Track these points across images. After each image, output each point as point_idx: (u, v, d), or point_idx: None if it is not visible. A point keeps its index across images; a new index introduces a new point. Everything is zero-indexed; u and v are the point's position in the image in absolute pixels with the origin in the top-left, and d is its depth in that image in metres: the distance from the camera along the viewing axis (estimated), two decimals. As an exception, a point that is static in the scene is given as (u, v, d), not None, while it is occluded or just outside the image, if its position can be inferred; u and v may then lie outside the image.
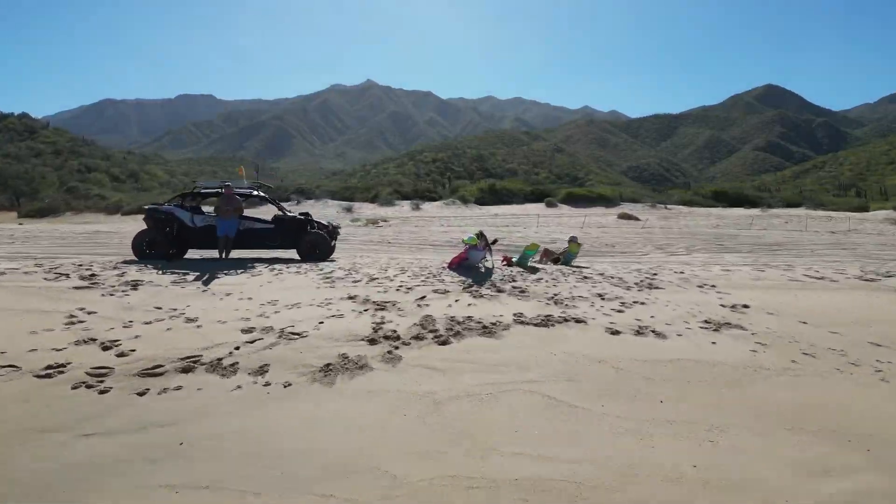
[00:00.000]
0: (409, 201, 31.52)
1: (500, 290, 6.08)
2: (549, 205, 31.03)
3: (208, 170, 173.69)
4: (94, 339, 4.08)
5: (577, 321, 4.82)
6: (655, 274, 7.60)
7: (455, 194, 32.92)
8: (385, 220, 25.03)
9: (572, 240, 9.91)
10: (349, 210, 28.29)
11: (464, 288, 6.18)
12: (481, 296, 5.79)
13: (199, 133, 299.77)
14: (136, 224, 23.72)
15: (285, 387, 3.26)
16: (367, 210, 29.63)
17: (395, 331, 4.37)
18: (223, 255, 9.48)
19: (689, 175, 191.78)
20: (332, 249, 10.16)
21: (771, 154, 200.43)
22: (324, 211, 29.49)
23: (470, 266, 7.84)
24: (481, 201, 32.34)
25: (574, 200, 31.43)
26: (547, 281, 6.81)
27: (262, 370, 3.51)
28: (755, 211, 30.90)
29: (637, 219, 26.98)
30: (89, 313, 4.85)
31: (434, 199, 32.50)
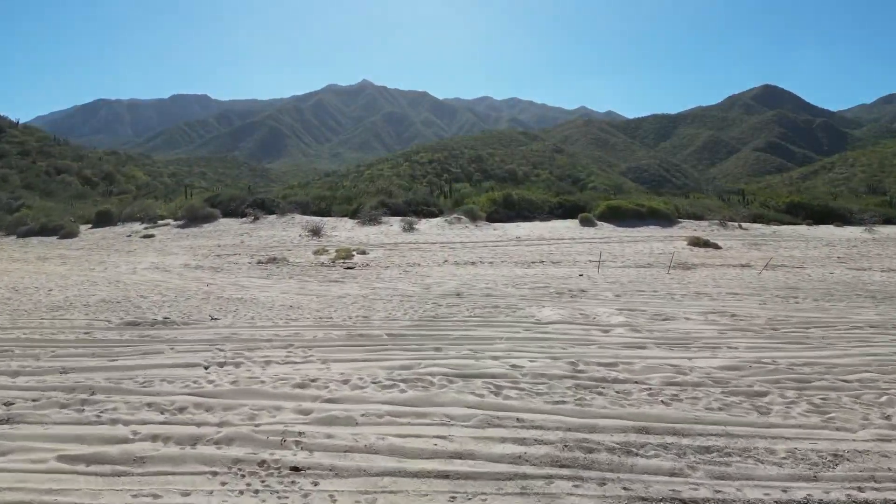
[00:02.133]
0: (399, 218, 23.54)
1: None
2: (586, 222, 23.04)
3: (197, 170, 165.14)
4: None
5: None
6: None
7: (460, 207, 24.92)
8: (363, 252, 16.94)
9: None
10: (317, 233, 20.18)
11: None
12: None
13: (193, 133, 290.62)
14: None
15: None
16: (342, 231, 21.54)
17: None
18: None
19: (689, 176, 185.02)
20: None
21: (771, 155, 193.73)
22: (285, 233, 21.36)
23: None
24: (494, 216, 24.42)
25: (617, 217, 23.45)
26: None
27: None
28: (855, 230, 23.00)
29: (716, 246, 19.01)
30: None
31: (433, 215, 24.51)
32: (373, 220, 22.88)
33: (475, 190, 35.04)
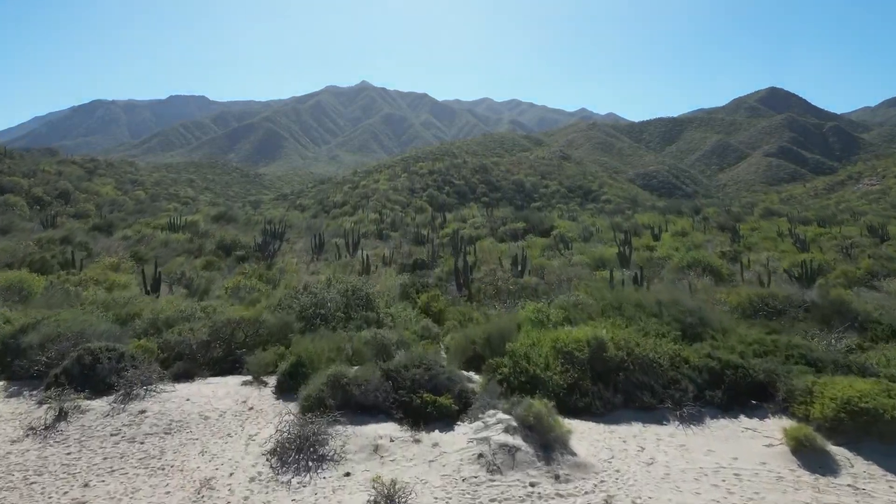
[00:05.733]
0: (373, 434, 9.48)
1: None
2: (804, 453, 9.44)
3: (185, 177, 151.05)
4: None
5: None
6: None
7: (509, 403, 10.96)
8: None
9: None
10: None
11: None
12: None
13: (189, 135, 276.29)
14: None
15: None
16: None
17: None
18: None
19: (699, 183, 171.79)
20: None
21: (784, 160, 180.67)
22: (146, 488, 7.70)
23: None
24: (574, 405, 10.81)
25: (864, 429, 9.85)
26: None
27: None
28: None
29: None
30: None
31: (444, 413, 10.57)
32: (308, 449, 9.40)
33: (512, 301, 21.11)
